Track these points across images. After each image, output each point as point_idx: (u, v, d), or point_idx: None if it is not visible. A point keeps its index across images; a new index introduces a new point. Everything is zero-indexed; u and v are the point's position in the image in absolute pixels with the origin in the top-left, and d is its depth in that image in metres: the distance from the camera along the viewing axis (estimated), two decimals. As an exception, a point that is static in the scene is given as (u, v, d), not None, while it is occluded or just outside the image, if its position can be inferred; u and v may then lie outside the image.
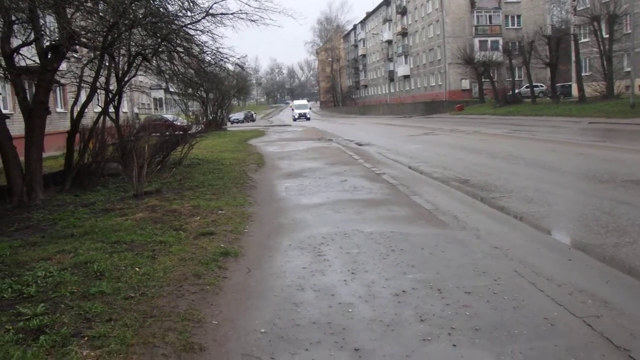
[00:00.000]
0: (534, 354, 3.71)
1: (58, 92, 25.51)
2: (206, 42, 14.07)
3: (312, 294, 5.01)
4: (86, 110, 12.97)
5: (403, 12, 79.49)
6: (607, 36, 36.84)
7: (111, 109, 15.25)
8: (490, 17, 64.17)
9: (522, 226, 7.65)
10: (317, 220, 8.19)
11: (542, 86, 51.33)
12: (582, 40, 42.94)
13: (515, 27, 63.12)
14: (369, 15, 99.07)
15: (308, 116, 72.56)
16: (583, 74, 41.57)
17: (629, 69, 34.61)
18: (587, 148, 16.53)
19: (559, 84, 46.90)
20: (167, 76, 16.44)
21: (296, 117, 72.15)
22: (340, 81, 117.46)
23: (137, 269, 5.54)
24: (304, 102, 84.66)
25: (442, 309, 4.51)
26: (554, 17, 68.66)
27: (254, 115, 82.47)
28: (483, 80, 55.21)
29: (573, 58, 44.34)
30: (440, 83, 67.78)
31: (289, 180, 12.75)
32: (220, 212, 8.62)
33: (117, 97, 15.29)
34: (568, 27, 47.21)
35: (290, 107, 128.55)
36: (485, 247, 6.39)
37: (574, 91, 44.44)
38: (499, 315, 4.37)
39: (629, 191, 9.42)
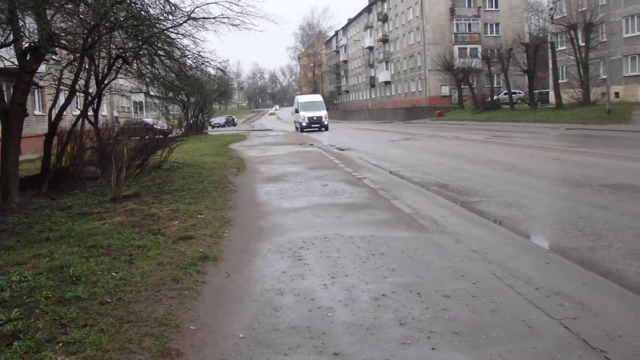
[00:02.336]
0: (512, 356, 3.73)
1: (36, 94, 25.16)
2: (188, 45, 13.92)
3: (292, 299, 4.98)
4: (65, 113, 12.80)
5: (384, 19, 79.91)
6: (583, 44, 37.41)
7: (90, 112, 15.10)
8: (469, 24, 64.81)
9: (501, 230, 7.72)
10: (298, 225, 8.16)
11: (520, 93, 51.95)
12: (559, 48, 43.60)
13: (494, 34, 63.81)
14: (350, 21, 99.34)
15: (325, 122, 42.83)
16: (560, 81, 42.22)
17: (604, 77, 35.16)
18: (564, 153, 16.75)
19: (536, 91, 47.53)
20: (147, 79, 16.30)
21: (304, 124, 42.34)
22: (322, 86, 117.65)
23: (114, 273, 5.47)
24: (315, 98, 48.59)
25: (422, 313, 4.51)
26: (531, 26, 69.63)
27: (235, 120, 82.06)
28: (462, 86, 55.63)
29: (550, 65, 45.02)
30: (421, 89, 68.17)
31: (270, 184, 12.71)
32: (199, 216, 8.56)
33: (96, 100, 15.14)
34: (545, 35, 47.92)
35: (273, 111, 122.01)
36: (465, 250, 6.42)
37: (552, 98, 45.02)
38: (477, 318, 4.39)
39: (604, 195, 9.56)
